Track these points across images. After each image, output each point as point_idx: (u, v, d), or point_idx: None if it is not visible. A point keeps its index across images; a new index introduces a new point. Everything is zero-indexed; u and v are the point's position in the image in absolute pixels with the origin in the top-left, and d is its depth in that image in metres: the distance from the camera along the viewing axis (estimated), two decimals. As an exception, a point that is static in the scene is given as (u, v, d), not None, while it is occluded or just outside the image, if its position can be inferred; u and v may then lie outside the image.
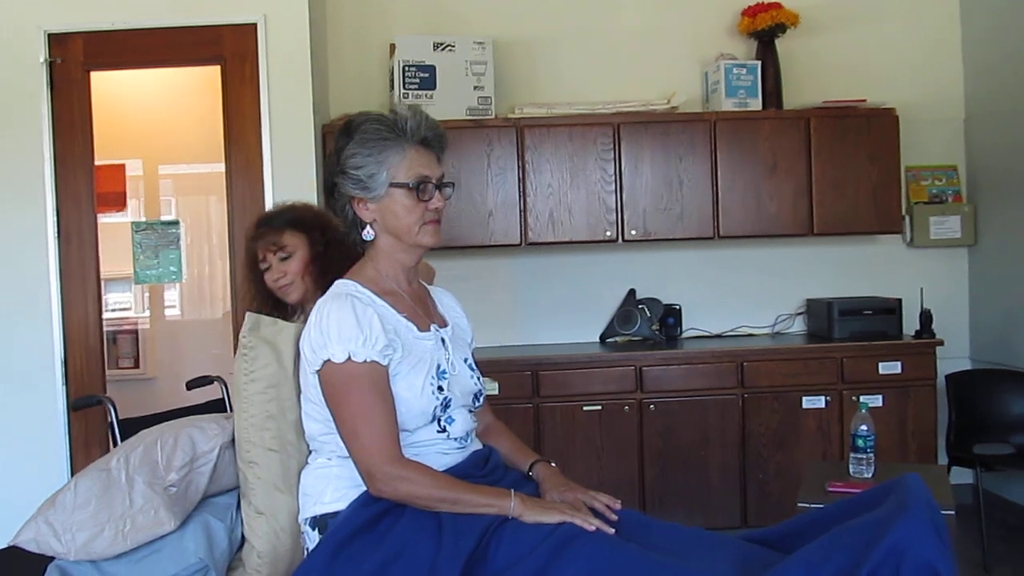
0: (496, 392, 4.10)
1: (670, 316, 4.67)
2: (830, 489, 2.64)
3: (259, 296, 2.56)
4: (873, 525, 1.52)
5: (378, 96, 4.56)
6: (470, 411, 1.97)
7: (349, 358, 1.75)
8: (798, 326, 4.74)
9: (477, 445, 1.97)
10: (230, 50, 4.08)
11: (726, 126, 4.40)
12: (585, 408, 4.14)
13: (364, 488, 1.76)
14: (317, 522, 1.82)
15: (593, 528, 1.66)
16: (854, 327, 4.36)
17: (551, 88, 4.67)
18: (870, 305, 4.43)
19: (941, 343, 4.29)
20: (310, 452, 1.91)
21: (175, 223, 4.07)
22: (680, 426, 4.17)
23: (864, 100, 4.42)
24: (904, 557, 1.44)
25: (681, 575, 1.56)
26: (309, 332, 1.82)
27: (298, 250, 2.51)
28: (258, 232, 2.57)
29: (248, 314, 2.01)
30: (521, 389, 4.14)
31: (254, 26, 4.04)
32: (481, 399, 2.03)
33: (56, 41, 4.05)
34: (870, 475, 2.71)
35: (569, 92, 4.62)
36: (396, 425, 1.78)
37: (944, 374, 4.31)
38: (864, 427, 2.72)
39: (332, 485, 1.81)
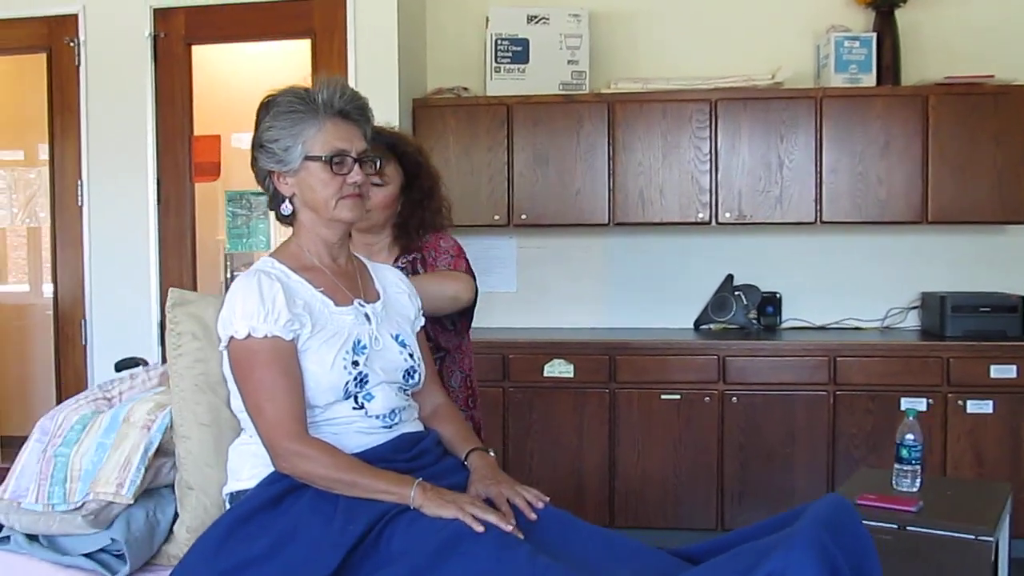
0: (571, 375, 4.25)
1: (769, 304, 4.62)
2: (860, 502, 2.61)
3: None
4: (758, 551, 1.52)
5: (475, 69, 4.72)
6: (402, 389, 1.99)
7: (250, 334, 1.82)
8: (911, 321, 4.59)
9: (412, 427, 2.00)
10: (320, 24, 4.32)
11: (834, 103, 4.30)
12: (663, 396, 4.19)
13: None
14: (234, 498, 1.91)
15: (481, 529, 1.66)
16: (968, 325, 4.20)
17: (648, 62, 4.67)
18: (988, 301, 4.24)
19: (1068, 347, 4.09)
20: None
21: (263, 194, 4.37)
22: (764, 421, 4.15)
23: (992, 76, 4.20)
24: None
25: None
26: (220, 310, 1.91)
27: (391, 183, 2.46)
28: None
29: (171, 290, 2.10)
30: (597, 373, 4.22)
31: (344, 0, 4.31)
32: (416, 377, 2.02)
33: (160, 16, 4.41)
34: (915, 489, 2.64)
35: (667, 67, 4.61)
36: (301, 402, 1.83)
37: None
38: (910, 436, 2.66)
39: (249, 463, 1.89)
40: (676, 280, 4.72)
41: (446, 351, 2.58)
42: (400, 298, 2.12)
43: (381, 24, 4.26)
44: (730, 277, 4.64)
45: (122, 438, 1.97)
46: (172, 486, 2.05)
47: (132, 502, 1.94)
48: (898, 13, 4.38)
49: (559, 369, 4.23)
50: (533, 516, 1.79)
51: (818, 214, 4.33)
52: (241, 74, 4.72)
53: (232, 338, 1.86)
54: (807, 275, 4.64)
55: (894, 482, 2.68)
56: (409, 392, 2.03)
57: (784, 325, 4.63)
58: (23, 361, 5.57)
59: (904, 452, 2.67)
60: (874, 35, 4.33)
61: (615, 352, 4.24)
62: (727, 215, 4.38)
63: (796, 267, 4.65)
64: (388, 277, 2.15)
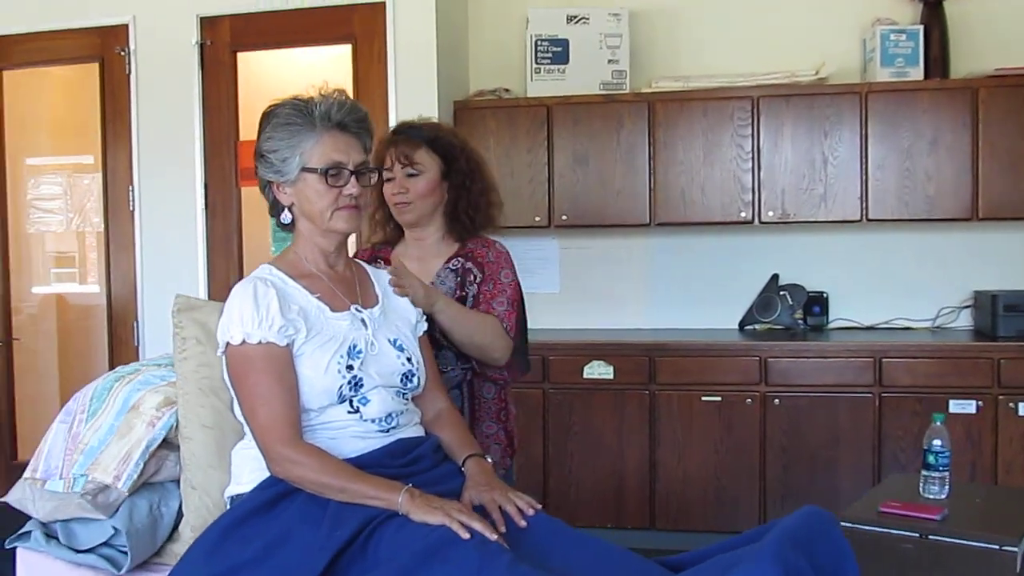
0: (611, 376, 4.26)
1: (816, 304, 4.56)
2: (882, 509, 2.57)
3: (380, 209, 2.54)
4: (722, 565, 1.53)
5: (516, 71, 4.75)
6: (400, 393, 2.01)
7: (244, 340, 1.87)
8: (964, 321, 4.49)
9: (411, 432, 2.02)
10: (360, 29, 4.39)
11: (879, 98, 4.22)
12: (704, 398, 4.17)
13: None
14: (234, 501, 1.95)
15: (467, 536, 1.67)
16: (1021, 325, 4.10)
17: (690, 61, 4.64)
18: (1042, 301, 4.16)
19: None
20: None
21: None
22: (807, 423, 4.11)
23: (1045, 68, 4.13)
24: None
25: None
26: (219, 316, 1.96)
27: (428, 171, 2.44)
28: (393, 138, 2.49)
29: (176, 295, 2.16)
30: (637, 375, 4.22)
31: (383, 5, 4.35)
32: (415, 381, 2.05)
33: (207, 24, 4.53)
34: (944, 496, 2.58)
35: (709, 64, 4.58)
36: (295, 407, 1.87)
37: None
38: (938, 442, 2.60)
39: (249, 467, 1.94)
40: (720, 280, 4.70)
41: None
42: (400, 303, 2.15)
43: (420, 29, 4.31)
44: (775, 277, 4.60)
45: (128, 427, 2.06)
46: (177, 481, 2.12)
47: (127, 494, 2.02)
48: (947, 4, 4.29)
49: (598, 370, 4.24)
50: (523, 523, 1.81)
51: (864, 212, 4.27)
52: (286, 80, 4.82)
53: (229, 344, 1.91)
54: (855, 274, 4.58)
55: (921, 489, 2.63)
56: (408, 396, 2.06)
57: (831, 325, 4.57)
58: (85, 360, 5.76)
59: (931, 458, 2.62)
60: (921, 28, 4.24)
61: (655, 353, 4.23)
62: (770, 214, 4.34)
63: (843, 266, 4.58)
64: (386, 282, 2.18)
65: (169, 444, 2.10)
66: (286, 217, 2.03)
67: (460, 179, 2.47)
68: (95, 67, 4.68)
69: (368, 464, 1.87)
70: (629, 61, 4.54)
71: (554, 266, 4.85)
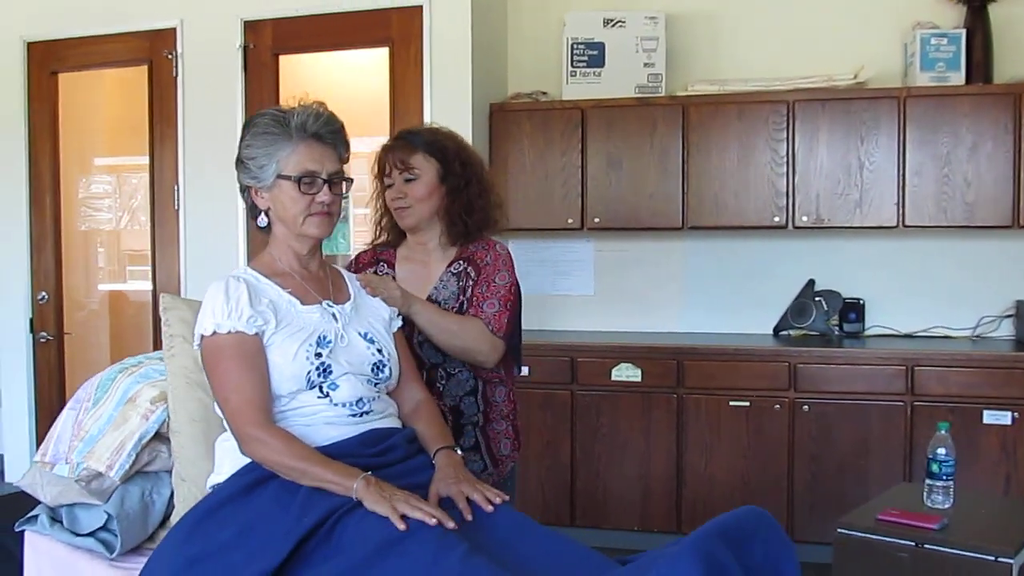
0: (639, 379, 4.28)
1: (852, 311, 4.52)
2: (879, 518, 2.55)
3: (385, 215, 2.58)
4: (653, 557, 1.56)
5: (554, 74, 4.78)
6: (371, 382, 2.09)
7: (215, 331, 1.97)
8: (1005, 330, 4.41)
9: (386, 423, 2.09)
10: (397, 33, 4.48)
11: (918, 103, 4.17)
12: (731, 403, 4.16)
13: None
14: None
15: (403, 527, 1.72)
16: (1061, 335, 4.04)
17: (727, 64, 4.63)
18: (1084, 311, 4.07)
19: None
20: None
21: (345, 197, 4.57)
22: (836, 431, 4.07)
23: (1091, 72, 4.04)
24: None
25: None
26: (196, 314, 2.07)
27: (425, 175, 2.48)
28: (391, 144, 2.55)
29: (163, 295, 2.28)
30: (665, 378, 4.23)
31: (420, 8, 4.43)
32: (386, 371, 2.12)
33: (250, 28, 4.66)
34: (947, 506, 2.56)
35: (746, 68, 4.56)
36: (265, 392, 1.95)
37: None
38: (942, 450, 2.57)
39: (230, 457, 2.01)
40: (755, 285, 4.68)
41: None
42: (373, 302, 2.26)
43: (456, 32, 4.38)
44: (811, 282, 4.57)
45: (124, 419, 2.17)
46: (170, 472, 2.21)
47: (119, 483, 2.11)
48: (991, 7, 4.22)
49: (626, 373, 4.27)
50: (490, 508, 1.88)
51: (900, 218, 4.22)
52: (327, 82, 4.95)
53: (203, 336, 2.02)
54: (892, 281, 4.52)
55: (925, 498, 2.61)
56: (381, 387, 2.14)
57: (868, 332, 4.52)
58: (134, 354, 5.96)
59: (935, 467, 2.60)
60: (963, 31, 4.18)
61: (683, 357, 4.24)
62: (804, 219, 4.32)
63: (880, 273, 4.53)
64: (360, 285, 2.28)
65: (163, 437, 2.20)
66: (262, 220, 2.15)
67: (456, 182, 2.51)
68: (144, 70, 4.85)
69: (339, 453, 1.94)
70: (665, 64, 4.56)
71: (589, 269, 4.88)
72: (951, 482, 2.59)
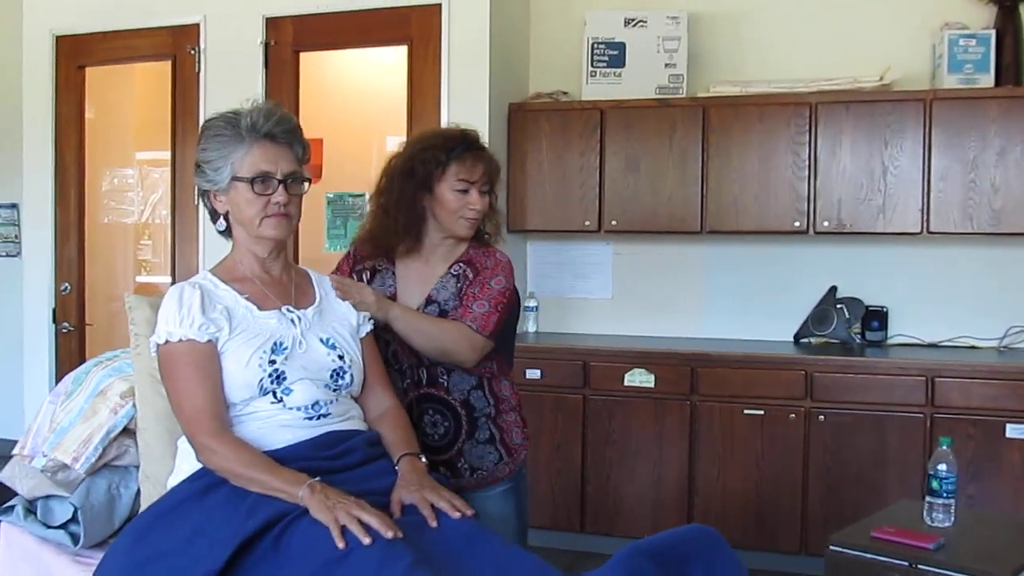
0: (652, 385, 4.21)
1: (875, 319, 4.42)
2: (874, 535, 2.46)
3: (404, 217, 2.44)
4: None
5: (575, 74, 4.73)
6: (330, 388, 2.05)
7: (167, 339, 1.96)
8: (1034, 342, 4.30)
9: (348, 425, 2.05)
10: (416, 31, 4.46)
11: (944, 106, 4.05)
12: (746, 411, 4.08)
13: None
14: None
15: (342, 545, 1.68)
16: (1091, 349, 3.90)
17: (750, 65, 4.55)
18: (1115, 324, 3.92)
19: None
20: None
21: (361, 195, 4.58)
22: (853, 442, 3.96)
23: None
24: None
25: None
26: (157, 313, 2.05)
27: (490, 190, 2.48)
28: (468, 152, 2.44)
29: (126, 295, 2.26)
30: (678, 385, 4.15)
31: (439, 7, 4.41)
32: (346, 378, 2.09)
33: (271, 25, 4.67)
34: (948, 524, 2.46)
35: (769, 68, 4.47)
36: (217, 400, 1.93)
37: None
38: (943, 466, 2.47)
39: (189, 458, 1.99)
40: (775, 291, 4.59)
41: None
42: (340, 307, 2.21)
43: (474, 31, 4.35)
44: (833, 289, 4.46)
45: (93, 411, 2.17)
46: (139, 467, 2.20)
47: (85, 476, 2.11)
48: (1023, 7, 4.10)
49: (639, 378, 4.20)
50: (457, 515, 1.84)
51: (925, 224, 4.11)
52: (347, 81, 4.96)
53: (158, 345, 2.01)
54: (916, 289, 4.41)
55: (925, 516, 2.52)
56: (341, 392, 2.10)
57: (891, 341, 4.41)
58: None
59: (935, 484, 2.50)
60: (993, 32, 4.06)
61: (697, 364, 4.16)
62: (825, 224, 4.22)
63: (904, 280, 4.42)
64: (331, 287, 2.25)
65: (132, 432, 2.19)
66: (221, 225, 2.12)
67: (494, 201, 2.51)
68: (168, 65, 4.89)
69: (291, 456, 1.91)
70: (687, 65, 4.48)
71: (607, 272, 4.82)
72: (952, 500, 2.50)
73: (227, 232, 2.14)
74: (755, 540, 4.10)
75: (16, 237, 5.73)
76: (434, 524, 1.82)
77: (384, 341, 2.38)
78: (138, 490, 2.20)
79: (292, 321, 2.08)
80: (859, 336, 4.42)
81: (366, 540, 1.68)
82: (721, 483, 4.14)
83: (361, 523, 1.72)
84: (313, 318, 2.12)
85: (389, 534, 1.71)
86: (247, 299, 2.06)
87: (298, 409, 2.00)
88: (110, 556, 1.89)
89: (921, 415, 3.91)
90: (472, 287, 2.45)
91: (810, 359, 4.09)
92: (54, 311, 5.11)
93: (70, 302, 5.12)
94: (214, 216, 2.14)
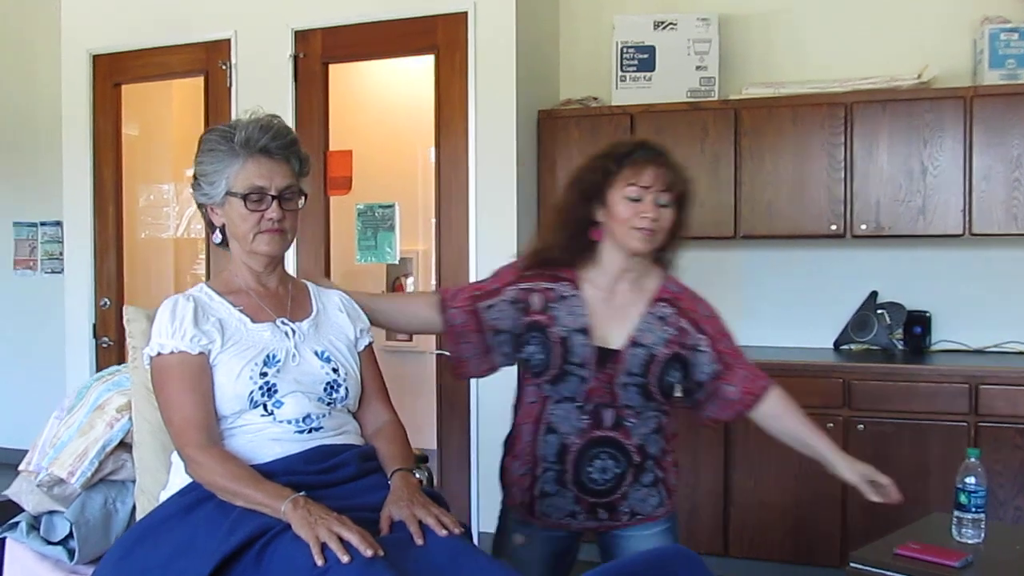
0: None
1: (917, 324, 4.28)
2: (898, 552, 2.35)
3: (568, 230, 2.30)
4: None
5: (605, 79, 4.67)
6: (323, 402, 2.01)
7: (159, 351, 1.95)
8: (1086, 346, 4.12)
9: (342, 439, 2.02)
10: (443, 40, 4.43)
11: (986, 103, 3.91)
12: (781, 421, 3.98)
13: None
14: None
15: (321, 562, 1.64)
16: None
17: (783, 66, 4.44)
18: None
19: None
20: None
21: (391, 205, 4.56)
22: (893, 452, 3.83)
23: None
24: None
25: None
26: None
27: (673, 205, 2.27)
28: (665, 160, 2.26)
29: (126, 307, 2.24)
30: (712, 393, 4.08)
31: (464, 15, 4.38)
32: (341, 391, 2.05)
33: (300, 37, 4.69)
34: (978, 540, 2.34)
35: (803, 69, 4.37)
36: (208, 412, 1.91)
37: None
38: (972, 479, 2.35)
39: (179, 473, 1.98)
40: (813, 296, 4.47)
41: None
42: (338, 319, 2.18)
43: (500, 38, 4.31)
44: (874, 294, 4.34)
45: (90, 426, 2.17)
46: (135, 481, 2.19)
47: (80, 490, 2.10)
48: (1068, 0, 3.95)
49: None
50: (444, 532, 1.79)
51: (967, 226, 3.97)
52: (376, 90, 4.96)
53: (151, 357, 2.00)
54: (960, 293, 4.26)
55: (954, 532, 2.40)
56: (336, 406, 2.06)
57: (934, 347, 4.26)
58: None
59: (963, 498, 2.38)
60: (1036, 26, 3.92)
61: (730, 371, 4.06)
62: (863, 227, 4.10)
63: (947, 284, 4.27)
64: (332, 300, 2.22)
65: (129, 446, 2.18)
66: (216, 238, 2.11)
67: (683, 217, 2.35)
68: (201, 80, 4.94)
69: (279, 470, 1.89)
70: (719, 67, 4.40)
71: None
72: (982, 514, 2.38)
73: (224, 244, 2.13)
74: (792, 553, 3.99)
75: (61, 254, 5.84)
76: (420, 541, 1.77)
77: (579, 377, 2.23)
78: (135, 505, 2.19)
79: (286, 334, 2.06)
80: (901, 342, 4.28)
81: (344, 558, 1.64)
82: (758, 496, 4.03)
83: (342, 540, 1.68)
84: (309, 331, 2.10)
85: (368, 552, 1.66)
86: (241, 311, 2.05)
87: (288, 422, 1.97)
88: (99, 572, 1.88)
89: (964, 424, 3.77)
90: (720, 343, 2.37)
91: (848, 366, 3.97)
92: (94, 326, 5.18)
93: (110, 317, 5.18)
94: (211, 229, 2.13)
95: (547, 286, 2.29)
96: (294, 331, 2.07)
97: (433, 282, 4.63)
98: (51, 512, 2.21)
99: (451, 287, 2.45)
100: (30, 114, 6.00)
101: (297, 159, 2.10)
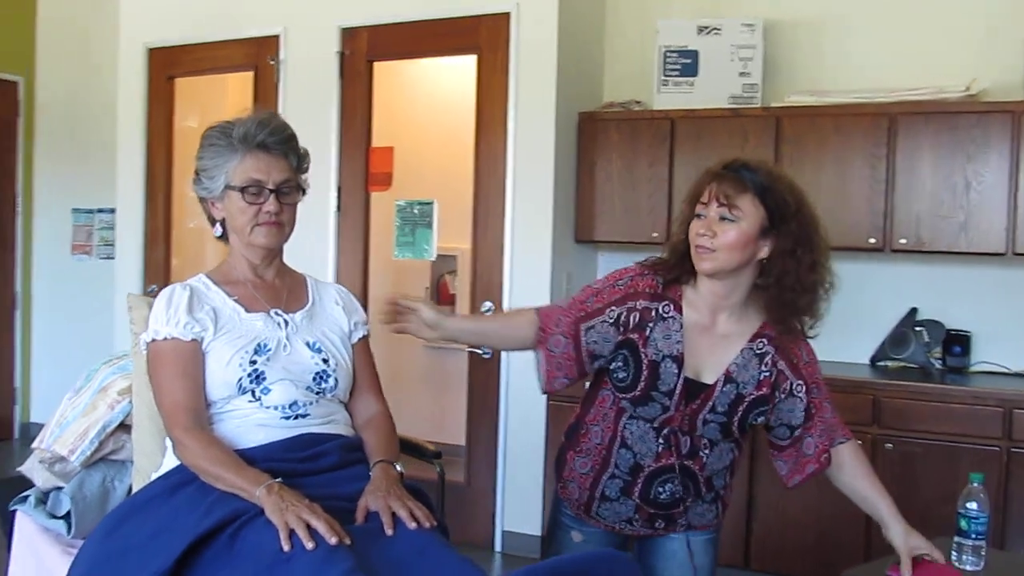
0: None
1: (956, 344, 4.17)
2: (888, 573, 2.30)
3: (674, 245, 2.21)
4: None
5: (648, 83, 4.63)
6: (310, 390, 2.07)
7: (154, 337, 2.04)
8: None
9: (328, 428, 2.07)
10: (485, 40, 4.46)
11: (1035, 118, 3.83)
12: (808, 436, 3.92)
13: None
14: None
15: (287, 548, 1.69)
16: None
17: (828, 74, 4.36)
18: None
19: None
20: None
21: (429, 203, 4.59)
22: (922, 473, 3.75)
23: None
24: None
25: None
26: None
27: (745, 222, 2.08)
28: (721, 172, 2.13)
29: (128, 295, 2.34)
30: (739, 405, 4.03)
31: (507, 15, 4.39)
32: (330, 382, 2.10)
33: (346, 35, 4.76)
34: (978, 568, 2.27)
35: (849, 78, 4.29)
36: (197, 397, 1.99)
37: None
38: (973, 504, 2.28)
39: (170, 455, 2.06)
40: (851, 311, 4.33)
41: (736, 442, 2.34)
42: (333, 311, 2.25)
43: (542, 39, 4.32)
44: (913, 311, 4.24)
45: (93, 407, 2.26)
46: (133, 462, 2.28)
47: (80, 468, 2.18)
48: None
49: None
50: (413, 525, 1.84)
51: (1011, 244, 3.86)
52: (419, 89, 5.00)
53: (147, 342, 2.08)
54: (1002, 313, 4.14)
55: (953, 557, 2.34)
56: (325, 395, 2.12)
57: (973, 368, 4.15)
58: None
59: (964, 523, 2.31)
60: (1091, 39, 3.80)
61: (758, 383, 4.01)
62: (902, 241, 4.02)
63: (989, 303, 4.16)
64: (328, 292, 2.30)
65: (129, 428, 2.26)
66: (217, 230, 2.19)
67: (790, 244, 2.13)
68: (251, 76, 5.04)
69: (260, 456, 1.95)
70: (762, 74, 4.34)
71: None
72: (983, 541, 2.31)
73: (224, 237, 2.21)
74: (814, 571, 3.92)
75: (115, 241, 6.01)
76: (389, 532, 1.82)
77: (662, 405, 2.14)
78: (131, 484, 2.26)
79: (279, 324, 2.13)
80: (940, 361, 4.18)
81: (309, 544, 1.70)
82: (782, 510, 3.98)
83: (309, 528, 1.74)
84: (302, 322, 2.17)
85: (333, 540, 1.72)
86: (236, 301, 2.13)
87: (275, 408, 2.04)
88: (85, 548, 1.97)
89: (997, 449, 3.67)
90: (812, 393, 2.28)
91: (879, 383, 3.90)
92: (142, 311, 5.31)
93: (156, 303, 5.31)
94: (212, 222, 2.21)
95: (646, 305, 2.18)
96: (287, 322, 2.14)
97: (468, 281, 4.65)
98: (58, 488, 2.30)
99: (553, 309, 2.27)
100: (90, 104, 6.18)
101: (295, 155, 2.18)
